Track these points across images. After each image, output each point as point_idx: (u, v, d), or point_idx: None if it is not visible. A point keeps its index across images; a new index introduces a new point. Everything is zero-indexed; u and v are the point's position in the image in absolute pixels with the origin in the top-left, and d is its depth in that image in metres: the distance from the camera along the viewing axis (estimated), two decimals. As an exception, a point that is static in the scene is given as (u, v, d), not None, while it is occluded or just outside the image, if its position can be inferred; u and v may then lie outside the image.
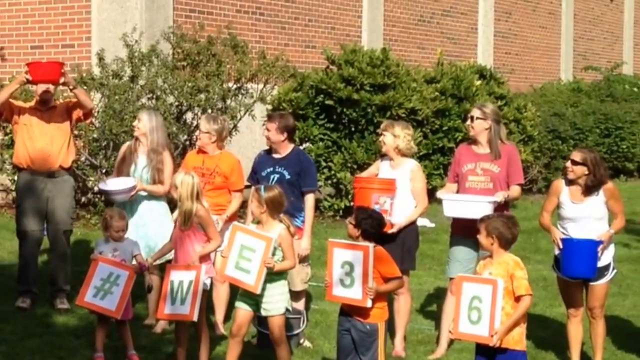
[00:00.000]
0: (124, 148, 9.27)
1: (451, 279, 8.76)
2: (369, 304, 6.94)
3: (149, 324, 8.91)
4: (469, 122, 8.69)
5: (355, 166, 13.99)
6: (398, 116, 13.98)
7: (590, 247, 7.95)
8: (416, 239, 8.75)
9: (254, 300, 7.40)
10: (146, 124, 9.01)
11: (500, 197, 8.30)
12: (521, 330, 6.78)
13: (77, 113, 9.49)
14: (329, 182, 14.37)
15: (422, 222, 11.95)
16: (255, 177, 8.79)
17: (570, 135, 18.73)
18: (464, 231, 8.57)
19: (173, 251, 7.88)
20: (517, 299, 6.70)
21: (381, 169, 8.77)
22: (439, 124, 15.15)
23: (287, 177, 8.55)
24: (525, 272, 6.78)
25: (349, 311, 7.09)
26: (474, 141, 8.69)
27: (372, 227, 7.10)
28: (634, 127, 20.46)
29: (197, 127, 9.66)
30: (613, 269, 8.25)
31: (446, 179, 9.35)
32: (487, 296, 6.61)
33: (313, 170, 8.91)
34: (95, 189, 13.31)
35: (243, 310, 7.47)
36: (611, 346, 8.93)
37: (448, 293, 8.76)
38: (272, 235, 7.30)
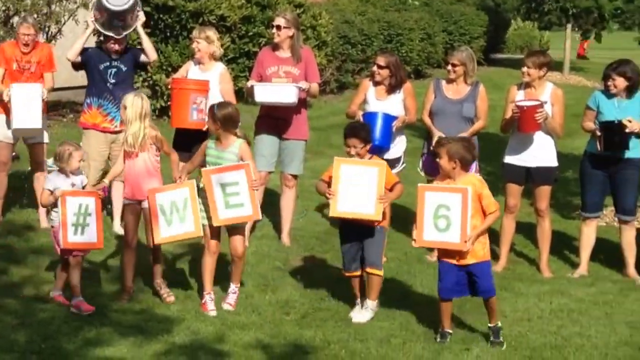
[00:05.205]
0: None
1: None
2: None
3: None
4: (275, 30, 8.51)
5: (170, 69, 13.60)
6: (209, 22, 13.67)
7: (385, 119, 7.98)
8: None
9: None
10: None
11: (304, 85, 8.34)
12: (487, 241, 6.44)
13: None
14: (146, 83, 13.94)
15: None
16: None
17: (358, 40, 18.74)
18: (268, 128, 8.54)
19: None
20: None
21: (190, 71, 8.53)
22: (245, 29, 14.93)
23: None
24: (487, 188, 6.42)
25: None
26: (275, 45, 8.53)
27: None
28: (412, 34, 20.67)
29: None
30: (403, 162, 8.36)
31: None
32: (455, 204, 6.20)
33: None
34: None
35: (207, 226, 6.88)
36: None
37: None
38: (248, 162, 6.79)
